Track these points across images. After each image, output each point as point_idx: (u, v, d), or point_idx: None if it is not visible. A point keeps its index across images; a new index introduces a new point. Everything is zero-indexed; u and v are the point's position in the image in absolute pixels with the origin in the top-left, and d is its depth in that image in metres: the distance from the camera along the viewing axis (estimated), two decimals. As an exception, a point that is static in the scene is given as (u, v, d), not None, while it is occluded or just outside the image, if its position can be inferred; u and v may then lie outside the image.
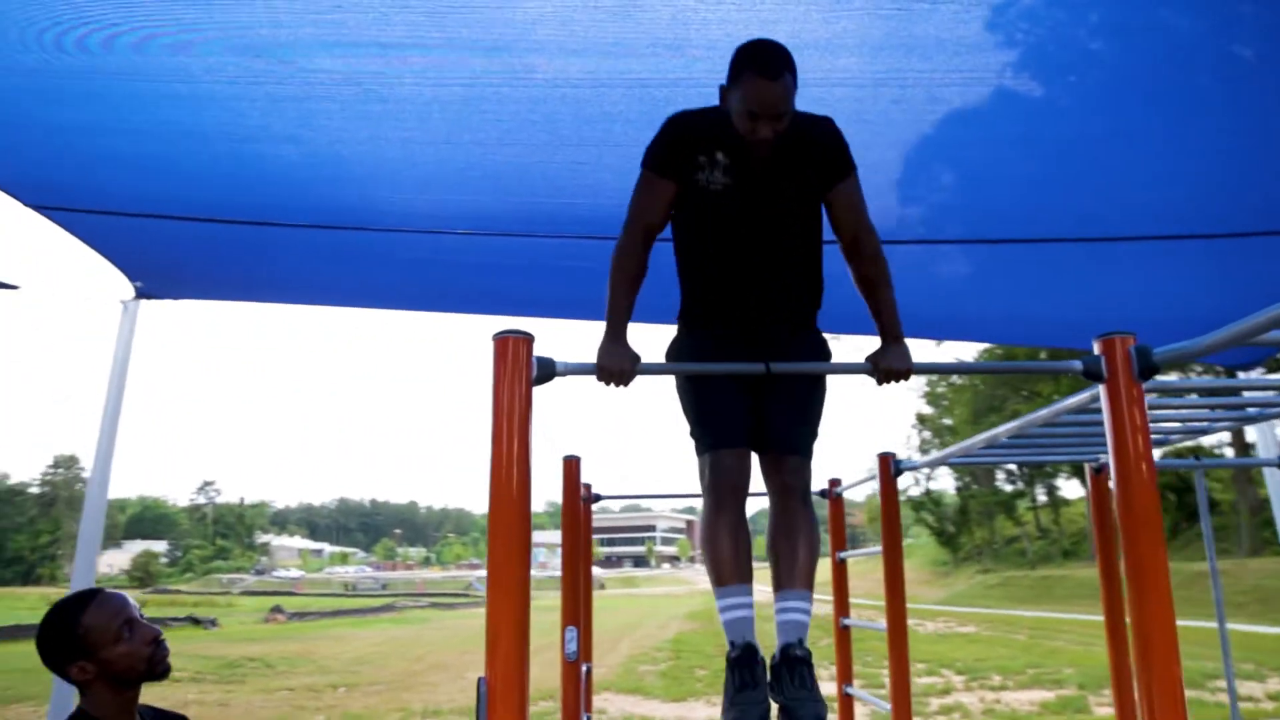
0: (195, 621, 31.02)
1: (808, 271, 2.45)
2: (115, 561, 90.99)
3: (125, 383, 6.00)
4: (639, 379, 2.23)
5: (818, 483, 5.23)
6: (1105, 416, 2.18)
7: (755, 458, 2.43)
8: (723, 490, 2.33)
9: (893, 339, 2.30)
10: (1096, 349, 2.22)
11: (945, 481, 53.69)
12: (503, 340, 2.18)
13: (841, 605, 4.91)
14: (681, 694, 12.38)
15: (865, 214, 2.39)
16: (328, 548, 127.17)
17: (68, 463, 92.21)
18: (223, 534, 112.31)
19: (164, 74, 2.94)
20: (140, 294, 5.99)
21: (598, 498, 5.26)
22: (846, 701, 4.85)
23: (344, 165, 3.59)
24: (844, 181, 2.35)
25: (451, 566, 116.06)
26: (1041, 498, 51.15)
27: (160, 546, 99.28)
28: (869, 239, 2.38)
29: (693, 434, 2.43)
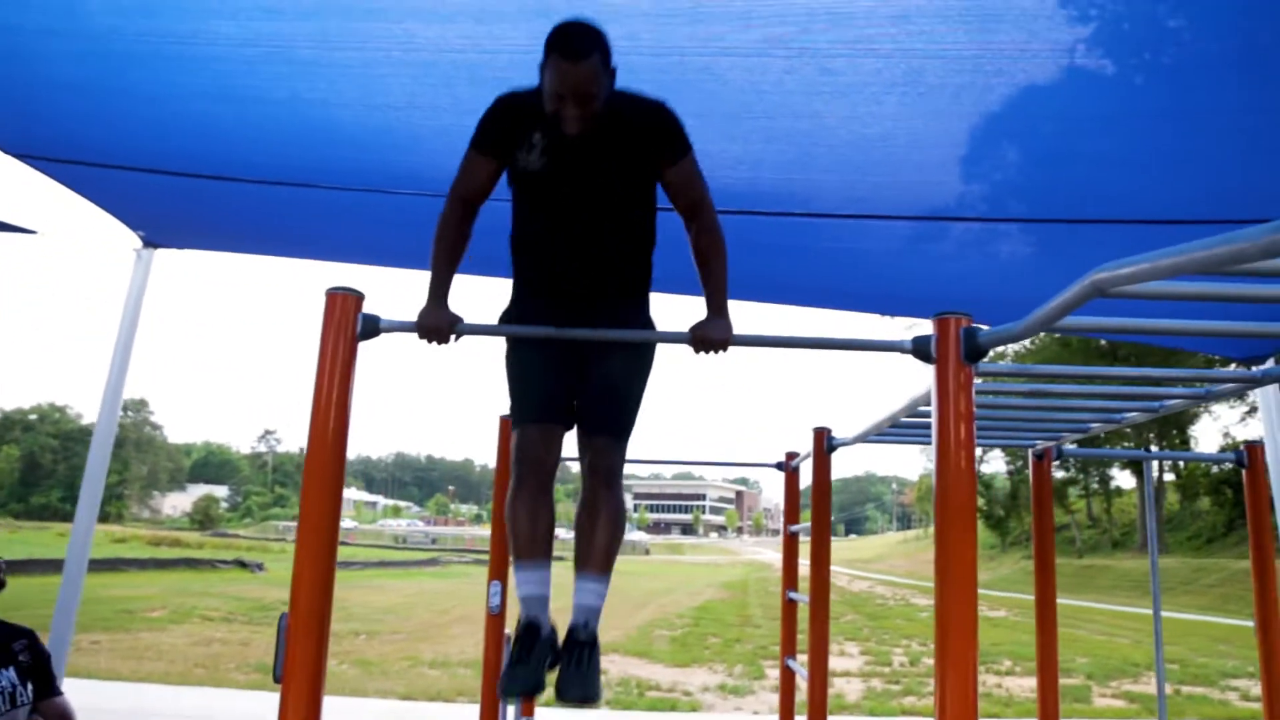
0: (242, 565, 32.00)
1: (631, 249, 2.45)
2: (178, 504, 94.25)
3: (136, 326, 6.22)
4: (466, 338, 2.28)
5: (777, 454, 5.20)
6: (932, 401, 2.14)
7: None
8: (523, 466, 2.38)
9: (714, 309, 2.31)
10: (931, 328, 2.17)
11: (997, 464, 52.73)
12: (332, 296, 2.23)
13: (790, 579, 4.90)
14: (687, 660, 12.47)
15: (700, 191, 2.39)
16: (382, 500, 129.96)
17: (136, 406, 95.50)
18: (281, 482, 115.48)
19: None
20: (146, 243, 6.20)
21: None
22: (788, 674, 4.85)
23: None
24: (676, 165, 2.34)
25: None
26: (1095, 486, 50.07)
27: (221, 491, 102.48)
28: (704, 216, 2.39)
29: (510, 409, 2.46)
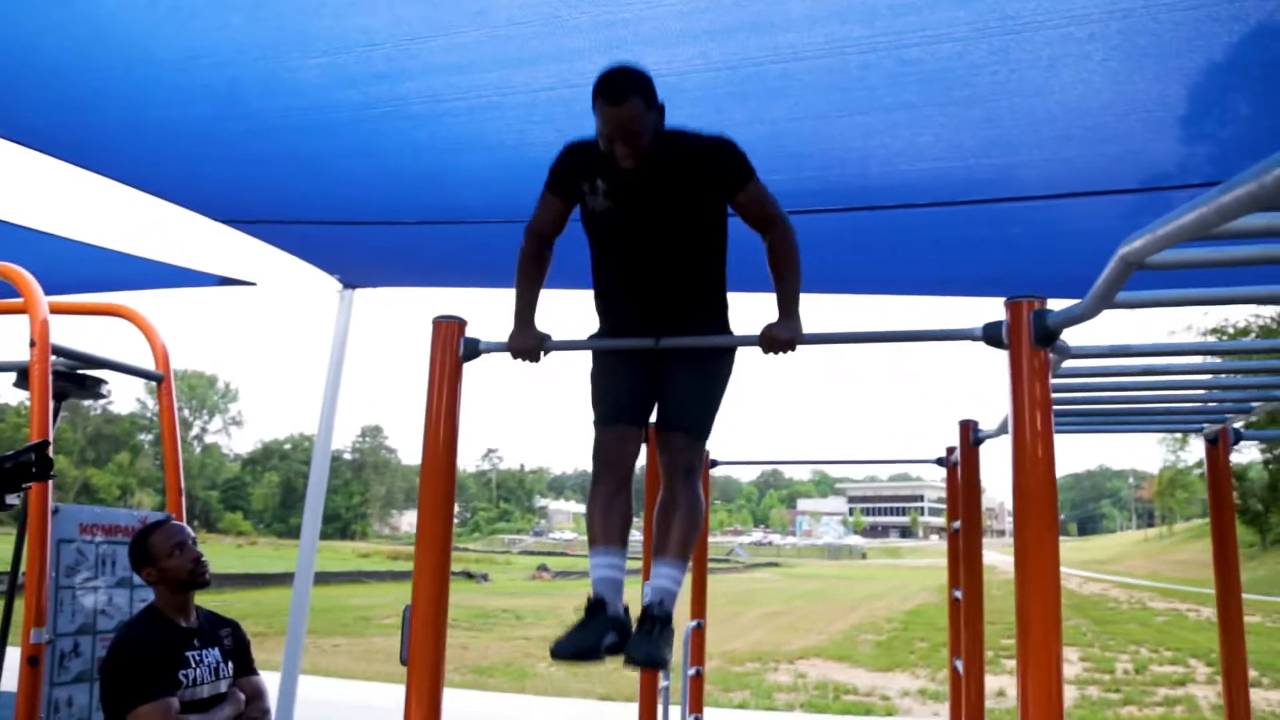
0: (469, 576, 34.03)
1: (702, 277, 2.57)
2: (413, 520, 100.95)
3: (344, 357, 6.95)
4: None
5: (935, 449, 5.09)
6: (1008, 387, 2.12)
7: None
8: (600, 464, 2.57)
9: (785, 314, 2.40)
10: (1004, 313, 2.15)
11: (1250, 453, 47.70)
12: (438, 324, 2.50)
13: (954, 577, 4.78)
14: (889, 664, 12.20)
15: (770, 210, 2.50)
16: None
17: (373, 432, 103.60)
18: (505, 498, 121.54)
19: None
20: (345, 284, 6.93)
21: (715, 463, 5.43)
22: (957, 676, 4.73)
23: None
24: (743, 192, 2.46)
25: (716, 533, 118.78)
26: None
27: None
28: (776, 230, 2.51)
29: (591, 411, 2.66)
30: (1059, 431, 3.93)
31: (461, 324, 2.48)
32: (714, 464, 5.41)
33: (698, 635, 5.11)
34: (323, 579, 26.78)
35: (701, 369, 2.58)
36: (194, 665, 2.40)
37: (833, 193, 3.74)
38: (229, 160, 4.31)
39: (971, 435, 4.05)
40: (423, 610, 2.34)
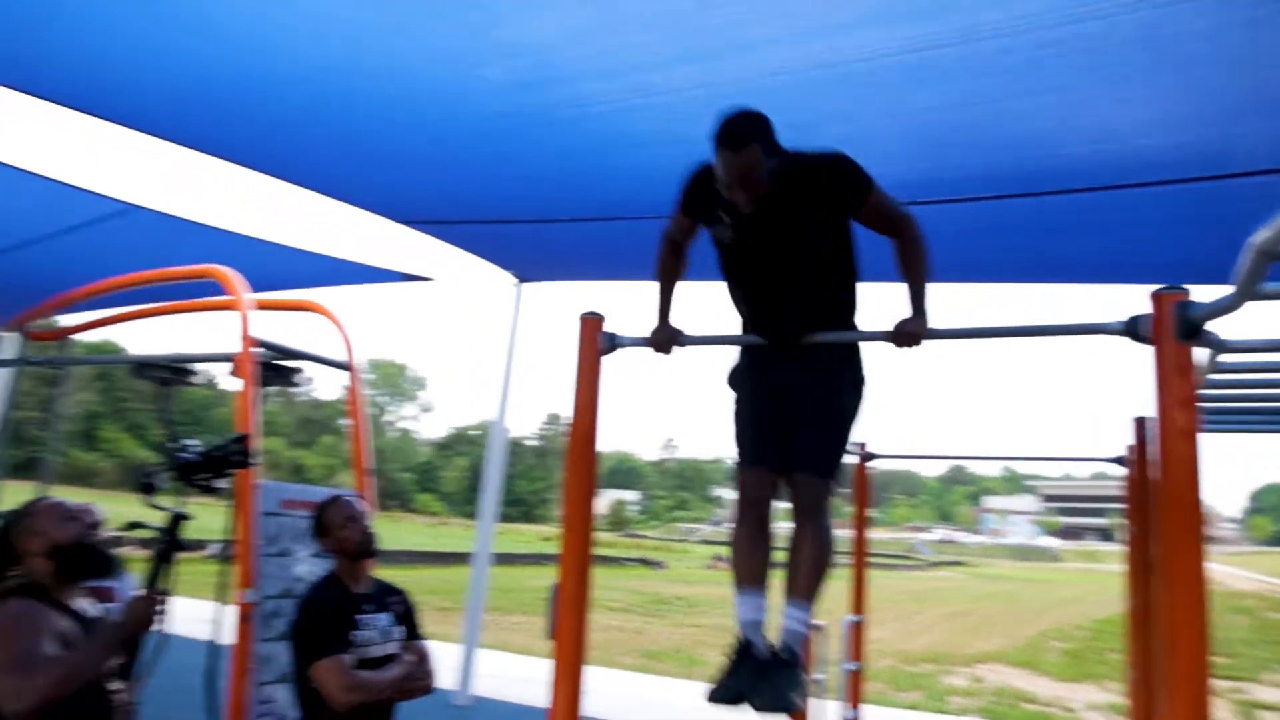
0: (645, 563, 34.67)
1: (830, 295, 2.61)
2: (595, 507, 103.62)
3: (517, 347, 7.36)
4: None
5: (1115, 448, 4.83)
6: (1152, 385, 2.03)
7: None
8: (741, 505, 2.66)
9: (916, 310, 2.41)
10: (1147, 307, 2.07)
11: None
12: (584, 319, 2.64)
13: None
14: (1077, 674, 11.58)
15: (894, 215, 2.51)
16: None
17: (556, 419, 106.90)
18: (683, 486, 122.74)
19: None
20: (520, 279, 7.32)
21: (871, 456, 5.38)
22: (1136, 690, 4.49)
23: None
24: (864, 206, 2.48)
25: (898, 528, 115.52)
26: None
27: (631, 496, 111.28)
28: (904, 232, 2.51)
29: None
30: (1224, 431, 3.68)
31: (601, 319, 2.61)
32: (870, 457, 5.35)
33: (855, 631, 5.08)
34: (506, 560, 28.09)
35: (831, 404, 2.63)
36: (366, 627, 2.65)
37: (996, 179, 3.65)
38: (408, 166, 4.66)
39: (1147, 432, 3.83)
40: (569, 587, 2.48)
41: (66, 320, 6.76)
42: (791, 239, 2.50)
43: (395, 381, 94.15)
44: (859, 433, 5.12)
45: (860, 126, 3.29)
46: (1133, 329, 2.06)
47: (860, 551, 5.34)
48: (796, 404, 2.63)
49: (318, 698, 2.53)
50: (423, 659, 2.78)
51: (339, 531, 2.75)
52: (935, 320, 2.34)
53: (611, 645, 12.41)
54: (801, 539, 2.59)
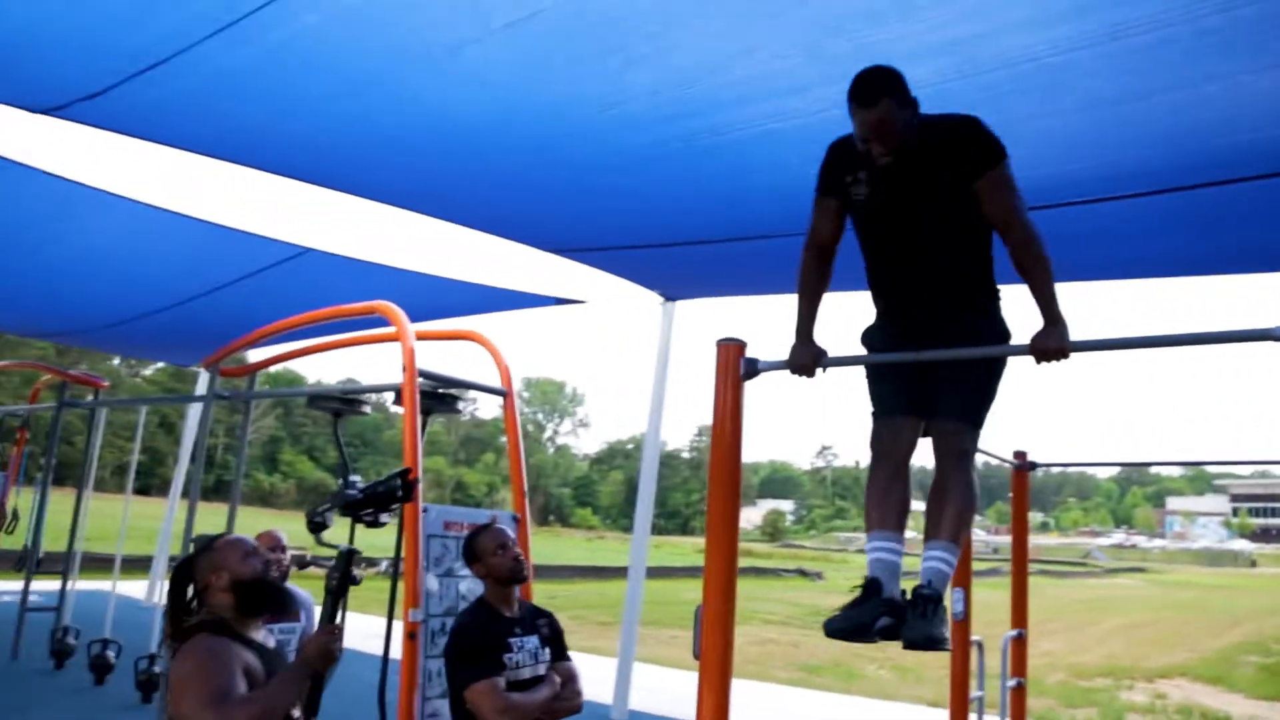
0: (803, 574, 34.25)
1: (966, 263, 2.54)
2: (750, 518, 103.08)
3: (669, 363, 7.55)
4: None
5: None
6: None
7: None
8: (876, 454, 2.66)
9: (1048, 319, 2.32)
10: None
11: None
12: (722, 346, 2.71)
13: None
14: (1275, 692, 10.72)
15: (1010, 203, 2.41)
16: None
17: (708, 431, 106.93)
18: (840, 495, 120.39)
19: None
20: (666, 298, 7.53)
21: (1032, 465, 5.20)
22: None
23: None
24: (985, 176, 2.40)
25: (1071, 533, 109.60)
26: None
27: (787, 505, 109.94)
28: (1016, 230, 2.41)
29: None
30: None
31: (742, 345, 2.67)
32: (1031, 466, 5.17)
33: (1017, 645, 4.92)
34: (661, 573, 28.33)
35: (975, 373, 2.58)
36: (516, 650, 2.79)
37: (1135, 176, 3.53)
38: (557, 199, 4.89)
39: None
40: (713, 607, 2.55)
41: (253, 356, 7.37)
42: (927, 196, 2.47)
43: (554, 399, 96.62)
44: (1014, 440, 4.98)
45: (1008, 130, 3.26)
46: (1292, 335, 1.96)
47: (1021, 562, 5.17)
48: (944, 373, 2.59)
49: (473, 718, 2.68)
50: (571, 679, 2.89)
51: (490, 559, 2.90)
52: (1079, 328, 2.27)
53: (768, 659, 12.35)
54: (945, 483, 2.57)
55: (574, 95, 3.27)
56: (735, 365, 2.65)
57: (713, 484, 2.63)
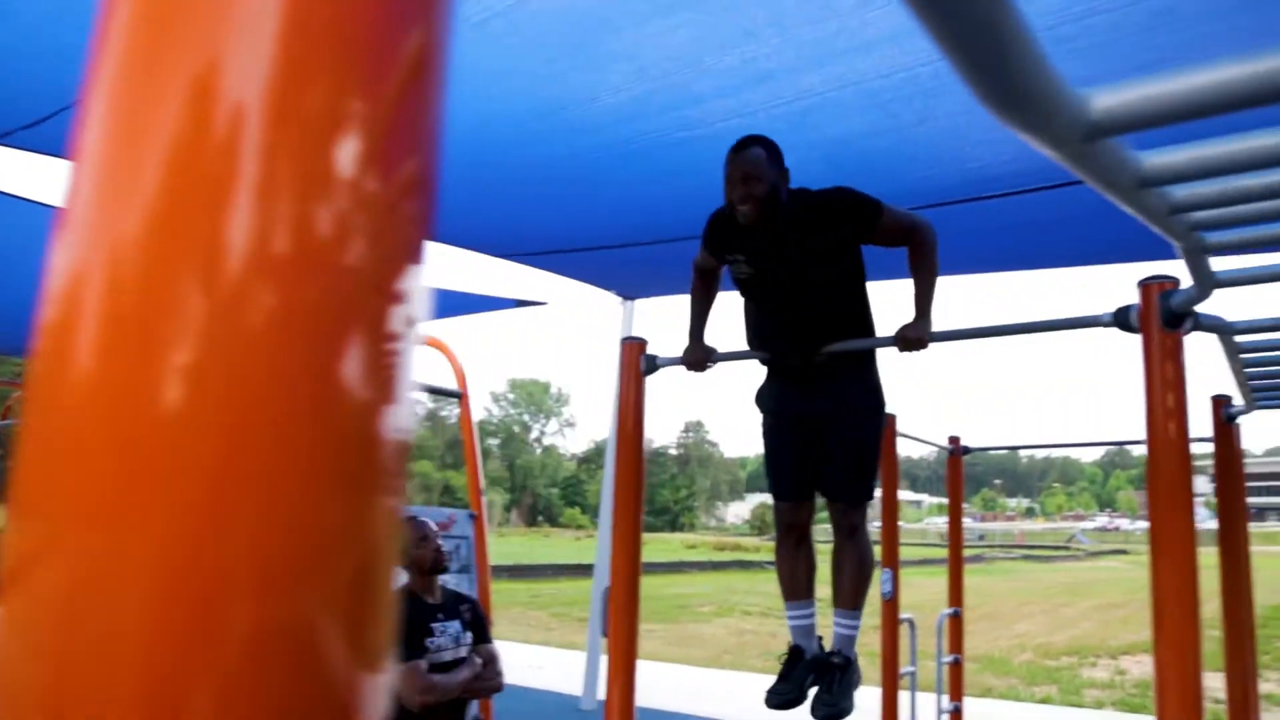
0: (760, 566, 34.42)
1: (843, 320, 2.78)
2: (739, 512, 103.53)
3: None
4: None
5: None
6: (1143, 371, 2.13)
7: None
8: (779, 530, 2.96)
9: (919, 314, 2.55)
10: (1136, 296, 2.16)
11: None
12: (625, 344, 2.90)
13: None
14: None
15: (904, 229, 2.66)
16: (927, 499, 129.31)
17: (695, 427, 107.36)
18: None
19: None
20: (624, 297, 7.69)
21: (965, 450, 5.40)
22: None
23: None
24: (878, 228, 2.66)
25: (1056, 517, 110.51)
26: None
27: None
28: (913, 240, 2.66)
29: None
30: (1265, 407, 3.61)
31: (643, 343, 2.86)
32: (965, 451, 5.38)
33: (953, 624, 5.12)
34: (647, 569, 28.50)
35: (856, 433, 2.82)
36: (438, 634, 2.97)
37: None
38: (503, 206, 5.05)
39: (1224, 412, 3.79)
40: (620, 596, 2.73)
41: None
42: (803, 263, 2.69)
43: (539, 399, 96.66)
44: (953, 427, 5.18)
45: (890, 139, 3.46)
46: (1122, 319, 2.16)
47: (957, 545, 5.37)
48: (823, 440, 2.85)
49: (395, 700, 2.86)
50: (492, 660, 3.07)
51: (413, 550, 3.07)
52: (940, 321, 2.47)
53: (745, 648, 12.57)
54: (842, 556, 2.84)
55: (519, 99, 3.44)
56: (637, 362, 2.84)
57: (619, 473, 2.82)
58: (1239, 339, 2.42)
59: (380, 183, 0.36)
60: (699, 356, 2.84)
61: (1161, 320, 2.08)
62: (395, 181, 0.36)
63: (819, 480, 2.89)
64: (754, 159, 2.56)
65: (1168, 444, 2.06)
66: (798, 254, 2.67)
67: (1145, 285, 2.13)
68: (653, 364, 2.84)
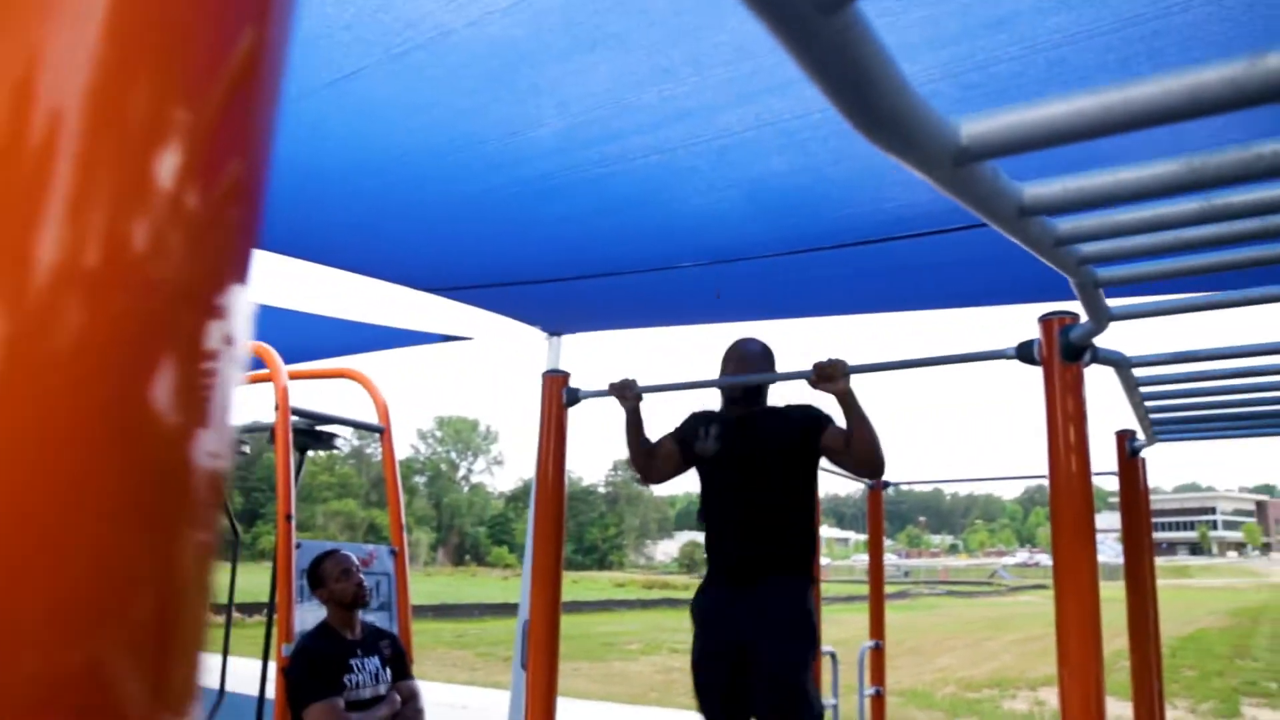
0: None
1: (789, 527, 2.90)
2: (668, 550, 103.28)
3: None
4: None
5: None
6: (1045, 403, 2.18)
7: None
8: None
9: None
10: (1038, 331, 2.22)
11: None
12: (546, 377, 2.87)
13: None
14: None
15: (843, 434, 2.81)
16: (853, 536, 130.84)
17: (624, 465, 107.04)
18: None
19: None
20: (550, 333, 7.65)
21: (885, 484, 5.47)
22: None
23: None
24: (826, 432, 2.87)
25: (979, 554, 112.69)
26: None
27: (702, 537, 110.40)
28: (853, 436, 2.77)
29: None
30: (1165, 440, 3.74)
31: (566, 376, 2.85)
32: (885, 485, 5.45)
33: (875, 656, 5.16)
34: (576, 608, 28.26)
35: (785, 659, 2.79)
36: (357, 671, 2.89)
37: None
38: (425, 240, 4.99)
39: (1129, 445, 3.91)
40: (539, 628, 2.69)
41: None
42: (766, 456, 2.85)
43: (467, 437, 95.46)
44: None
45: (808, 178, 3.53)
46: (1025, 353, 2.22)
47: (878, 579, 5.43)
48: (758, 653, 2.81)
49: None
50: (412, 697, 3.00)
51: (333, 584, 3.00)
52: (855, 356, 2.51)
53: (671, 686, 12.47)
54: None
55: (440, 137, 3.40)
56: (559, 395, 2.82)
57: (539, 505, 2.78)
58: (1137, 373, 2.50)
59: (202, 192, 0.34)
60: (626, 393, 2.89)
61: (1061, 354, 2.14)
62: (218, 191, 0.34)
63: (750, 700, 2.83)
64: (754, 356, 2.87)
65: (1069, 477, 2.10)
66: (763, 441, 2.86)
67: (1046, 320, 2.19)
68: (575, 396, 2.82)
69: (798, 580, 2.87)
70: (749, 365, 2.87)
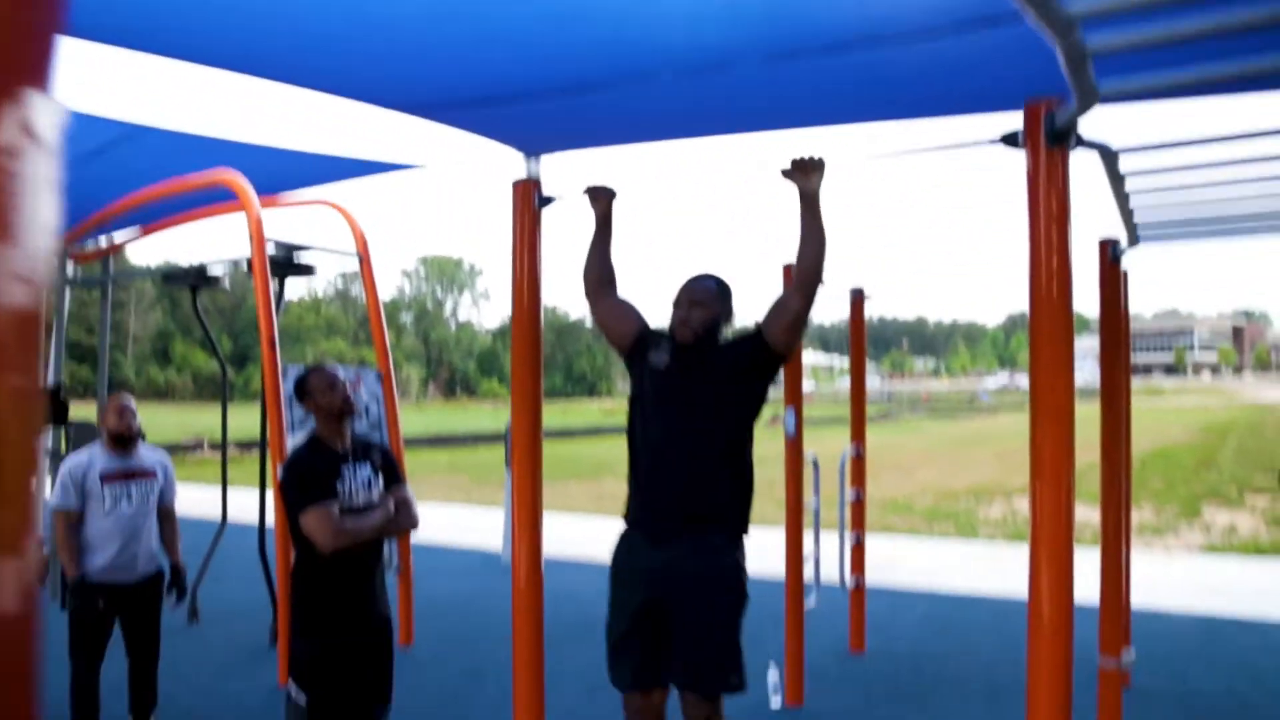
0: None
1: (724, 468, 2.70)
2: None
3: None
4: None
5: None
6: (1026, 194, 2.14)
7: None
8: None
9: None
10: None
11: None
12: (518, 185, 2.81)
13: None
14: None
15: (780, 301, 2.76)
16: (839, 362, 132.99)
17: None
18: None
19: None
20: (528, 154, 7.43)
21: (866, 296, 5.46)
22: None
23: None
24: (765, 333, 2.73)
25: (961, 377, 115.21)
26: None
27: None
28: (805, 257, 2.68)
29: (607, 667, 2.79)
30: (1149, 241, 3.72)
31: (535, 182, 2.79)
32: (866, 297, 5.46)
33: (856, 464, 5.31)
34: (567, 434, 29.11)
35: (711, 614, 2.62)
36: (349, 479, 2.95)
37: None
38: (396, 53, 4.76)
39: (1111, 252, 3.88)
40: (521, 448, 2.74)
41: (103, 242, 7.10)
42: (700, 387, 2.69)
43: (452, 274, 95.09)
44: (857, 280, 5.22)
45: None
46: (1010, 138, 2.15)
47: (859, 392, 5.52)
48: (681, 611, 2.62)
49: (309, 544, 2.85)
50: (404, 503, 3.07)
51: (320, 397, 3.02)
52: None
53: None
54: None
55: None
56: (530, 203, 2.78)
57: (516, 316, 2.77)
58: (1123, 165, 2.45)
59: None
60: (598, 186, 2.83)
61: (1046, 137, 2.08)
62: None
63: (669, 669, 2.65)
64: (708, 288, 2.72)
65: (1050, 276, 2.08)
66: (710, 368, 2.70)
67: (1032, 103, 2.12)
68: (545, 200, 2.76)
69: (729, 532, 2.68)
70: (707, 306, 2.69)
